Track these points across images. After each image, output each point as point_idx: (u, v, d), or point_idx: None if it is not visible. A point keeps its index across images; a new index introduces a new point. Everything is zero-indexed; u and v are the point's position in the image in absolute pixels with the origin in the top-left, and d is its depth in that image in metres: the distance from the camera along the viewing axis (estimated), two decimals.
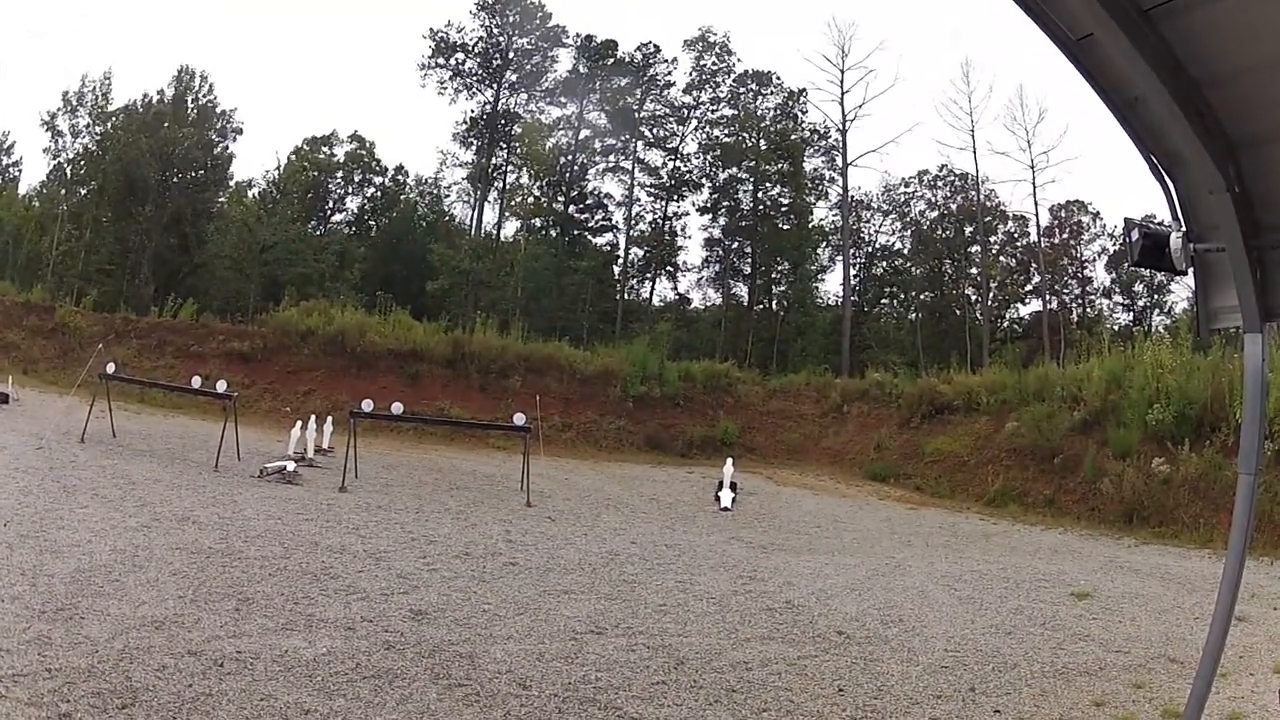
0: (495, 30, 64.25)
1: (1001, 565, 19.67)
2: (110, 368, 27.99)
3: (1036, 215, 61.14)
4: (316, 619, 11.45)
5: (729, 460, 30.37)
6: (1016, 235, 64.00)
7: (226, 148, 62.20)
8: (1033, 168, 57.99)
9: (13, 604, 10.39)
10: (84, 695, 8.08)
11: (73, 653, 9.05)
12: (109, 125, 58.48)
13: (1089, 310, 63.10)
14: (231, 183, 64.03)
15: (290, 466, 23.53)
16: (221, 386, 27.53)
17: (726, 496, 27.00)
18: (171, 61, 78.80)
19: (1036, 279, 62.70)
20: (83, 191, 58.45)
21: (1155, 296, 60.97)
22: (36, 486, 17.66)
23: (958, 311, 63.09)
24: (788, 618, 13.79)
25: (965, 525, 26.30)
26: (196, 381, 28.55)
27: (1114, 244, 59.39)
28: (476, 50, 64.16)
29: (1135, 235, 4.57)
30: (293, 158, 63.75)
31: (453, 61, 64.31)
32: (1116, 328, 55.41)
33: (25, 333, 41.01)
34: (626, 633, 12.32)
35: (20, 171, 66.30)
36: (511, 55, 64.28)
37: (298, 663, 9.70)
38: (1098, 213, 62.00)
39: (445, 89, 64.78)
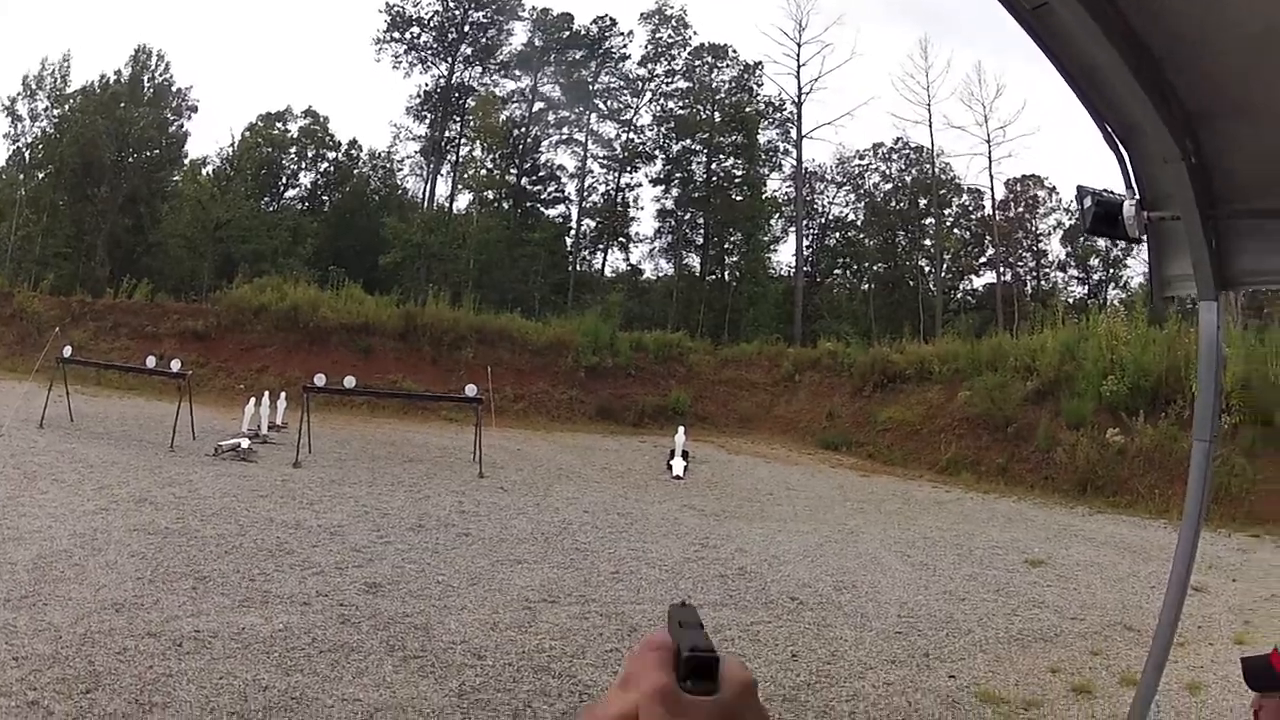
0: (451, 4, 63.97)
1: (955, 532, 20.00)
2: (67, 351, 27.95)
3: (992, 189, 61.85)
4: (273, 595, 11.63)
5: (681, 429, 30.60)
6: (971, 208, 64.41)
7: (182, 126, 61.76)
8: (989, 142, 58.54)
9: None
10: (50, 682, 8.19)
11: (37, 640, 9.16)
12: (67, 108, 57.96)
13: (1044, 283, 63.37)
14: (186, 161, 63.36)
15: (245, 444, 23.61)
16: (176, 366, 27.67)
17: (679, 465, 27.27)
18: (129, 41, 78.07)
19: (991, 251, 63.18)
20: (40, 175, 57.91)
21: (1111, 270, 61.52)
22: None
23: (911, 282, 63.42)
24: (740, 584, 14.13)
25: (918, 493, 26.62)
26: (151, 362, 28.56)
27: (1070, 218, 59.40)
28: (432, 24, 64.00)
29: (1088, 203, 4.71)
30: (247, 134, 63.22)
31: (408, 35, 64.12)
32: (1071, 300, 55.62)
33: None
34: (580, 601, 12.58)
35: None
36: (467, 28, 64.10)
37: (255, 639, 9.83)
38: (1054, 187, 62.31)
39: (400, 63, 64.66)
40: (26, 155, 58.18)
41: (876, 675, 10.32)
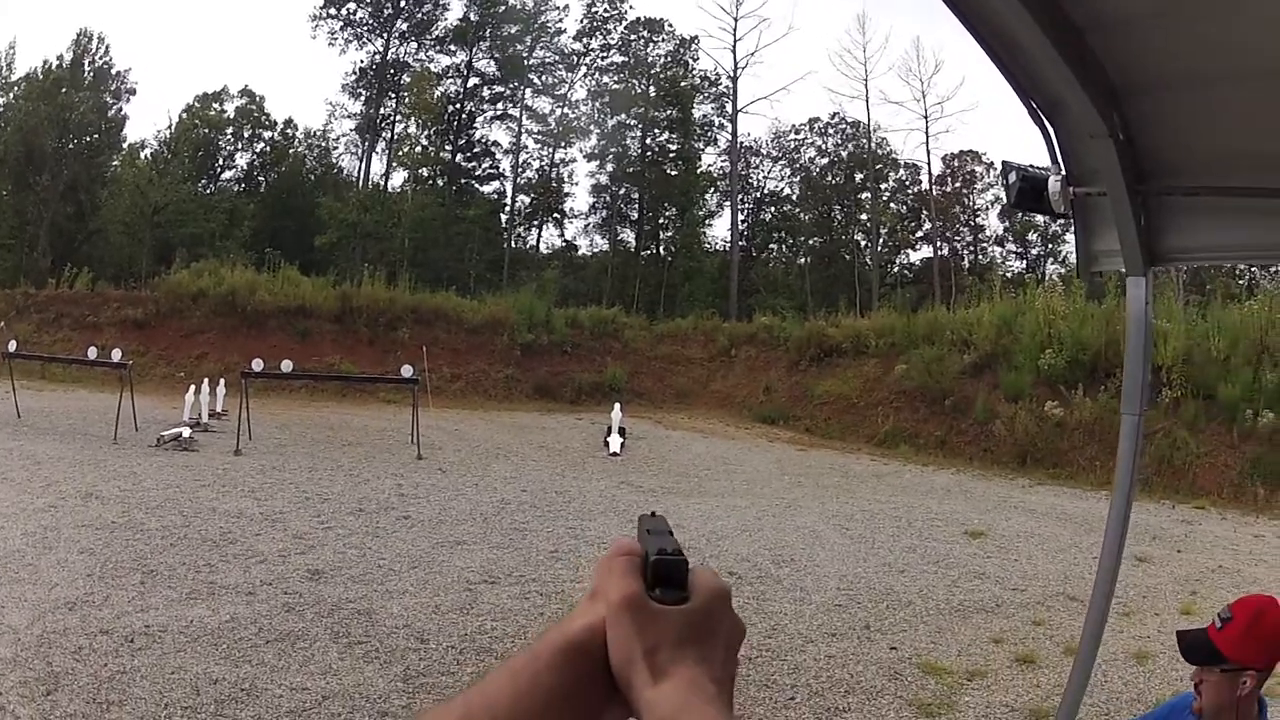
0: None
1: (893, 505, 20.31)
2: (12, 345, 28.10)
3: (929, 164, 63.00)
4: (218, 586, 11.78)
5: (617, 405, 30.93)
6: (908, 183, 65.29)
7: (120, 109, 61.52)
8: (926, 118, 59.61)
9: None
10: (12, 685, 8.31)
11: None
12: (11, 96, 57.73)
13: (981, 257, 64.25)
14: (125, 145, 63.00)
15: (186, 433, 23.70)
16: (116, 356, 27.60)
17: (615, 442, 27.56)
18: (72, 25, 77.29)
19: (928, 226, 63.94)
20: None
21: (1049, 246, 62.43)
22: None
23: (847, 257, 64.20)
24: None
25: (856, 466, 26.99)
26: (92, 353, 28.57)
27: (1001, 188, 60.09)
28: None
29: (1013, 177, 4.83)
30: (184, 116, 62.97)
31: (344, 11, 64.02)
32: (1009, 275, 56.38)
33: None
34: (519, 581, 12.83)
35: None
36: (403, 4, 63.93)
37: (203, 632, 9.98)
38: (991, 163, 62.73)
39: (336, 39, 64.82)
40: None
41: (817, 648, 10.58)
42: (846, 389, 35.40)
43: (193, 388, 28.46)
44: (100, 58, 60.21)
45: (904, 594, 12.94)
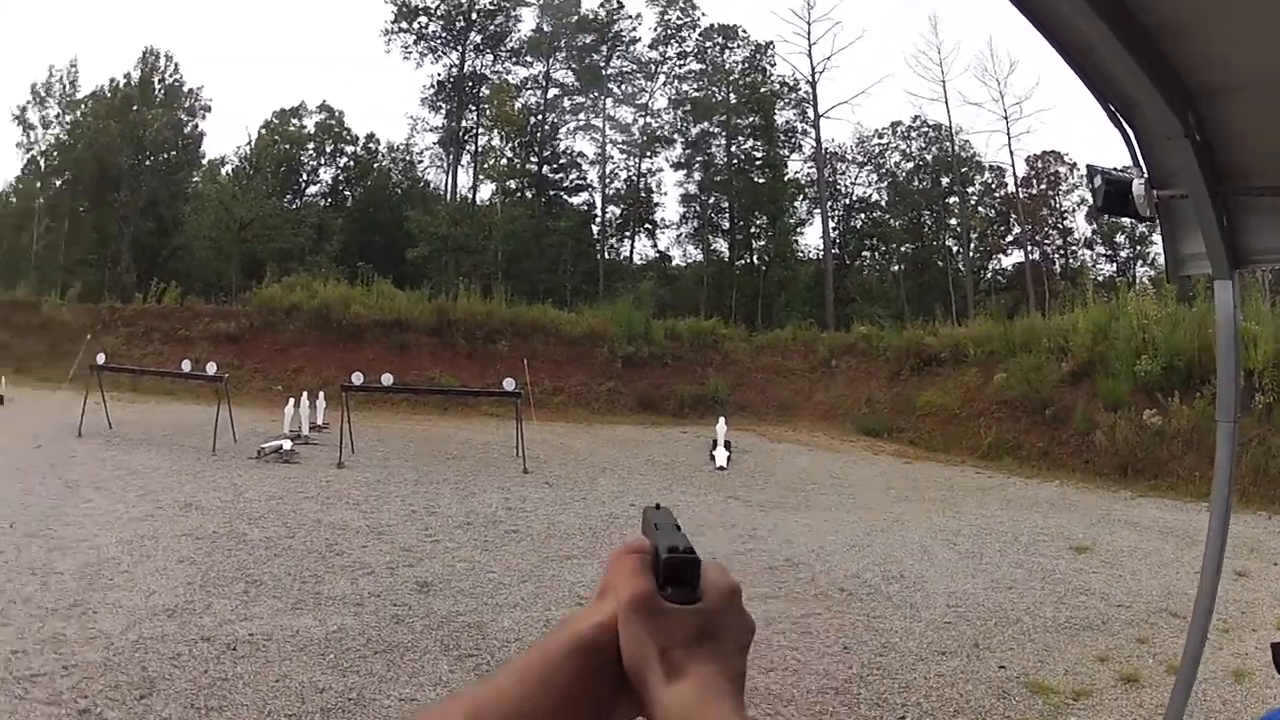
0: None
1: (999, 519, 19.72)
2: (100, 359, 27.83)
3: (1013, 166, 61.47)
4: (325, 597, 11.57)
5: (721, 419, 30.38)
6: (994, 186, 63.98)
7: (196, 126, 62.06)
8: (1006, 119, 58.13)
9: (25, 605, 10.45)
10: (102, 689, 8.14)
11: (88, 648, 9.10)
12: (79, 113, 58.22)
13: (1071, 261, 62.92)
14: (204, 161, 63.71)
15: (287, 445, 23.49)
16: (211, 369, 27.64)
17: (721, 455, 26.98)
18: (135, 44, 78.43)
19: (1017, 230, 62.73)
20: (57, 183, 58.35)
21: (1138, 247, 60.79)
22: (39, 485, 17.68)
23: (940, 263, 63.06)
24: (789, 576, 13.87)
25: (961, 479, 26.32)
26: (186, 366, 28.39)
27: (1087, 190, 59.02)
28: (439, 13, 63.81)
29: (1098, 182, 4.55)
30: (263, 132, 63.22)
31: (415, 26, 63.99)
32: (1100, 278, 55.11)
33: (13, 332, 40.81)
34: None
35: None
36: (475, 16, 63.92)
37: (310, 641, 9.81)
38: (1074, 164, 61.46)
39: (410, 54, 64.59)
40: (42, 163, 58.50)
41: (928, 666, 10.14)
42: (948, 399, 34.67)
43: (292, 400, 28.29)
44: (170, 75, 61.08)
45: (1012, 611, 12.44)
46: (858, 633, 11.10)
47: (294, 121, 64.82)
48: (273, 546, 14.01)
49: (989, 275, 64.40)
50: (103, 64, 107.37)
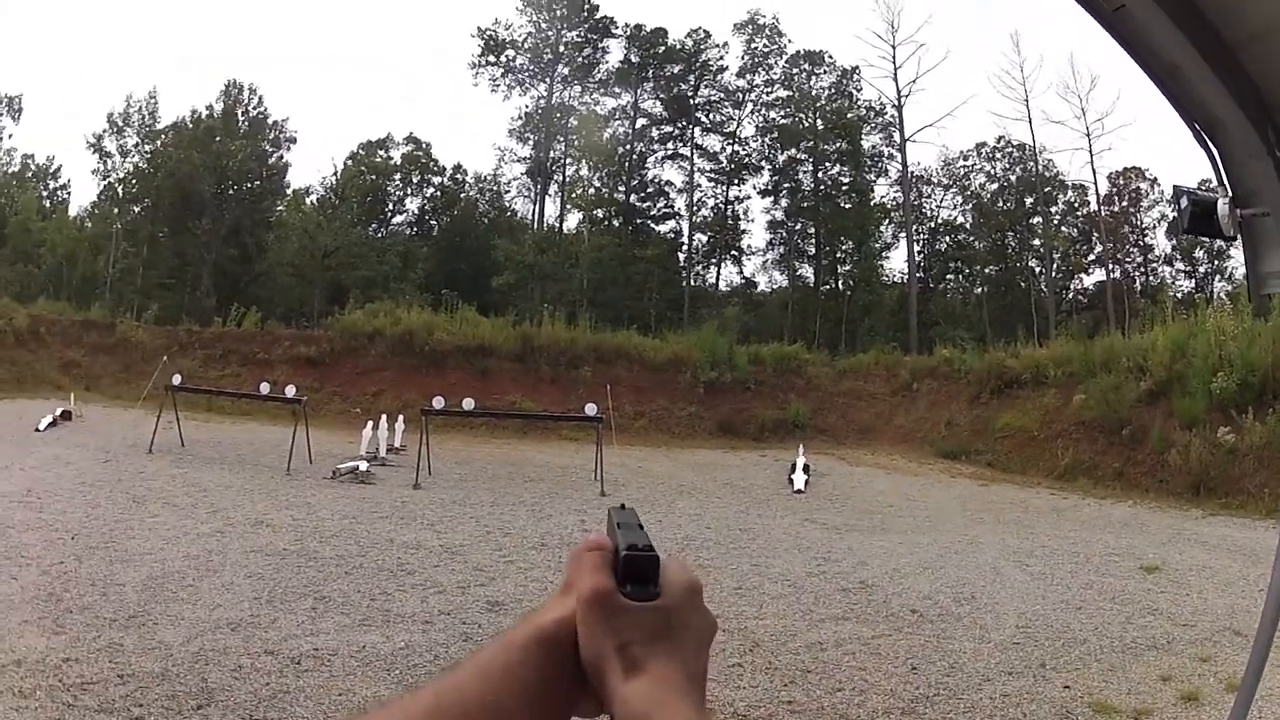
0: (543, 25, 64.55)
1: (1072, 540, 19.55)
2: (176, 379, 28.04)
3: (1095, 184, 60.75)
4: (394, 614, 11.47)
5: (800, 445, 30.58)
6: (1076, 205, 63.31)
7: (281, 157, 63.21)
8: (1088, 135, 57.46)
9: (82, 614, 10.41)
10: (157, 698, 8.09)
11: (146, 658, 9.06)
12: (158, 143, 59.47)
13: (1151, 278, 62.36)
14: (289, 191, 64.93)
15: (363, 466, 23.53)
16: (290, 391, 27.73)
17: (799, 479, 26.78)
18: (217, 78, 79.92)
19: (1099, 249, 62.09)
20: (136, 209, 59.67)
21: (1216, 263, 60.02)
22: (105, 499, 17.73)
23: (1022, 284, 62.64)
24: (862, 597, 13.75)
25: (1036, 500, 26.13)
26: (265, 388, 28.50)
27: (1171, 210, 58.34)
28: (526, 46, 64.57)
29: (1184, 203, 4.48)
30: (349, 163, 64.10)
31: (503, 59, 64.77)
32: (1179, 295, 54.44)
33: (85, 350, 41.44)
34: None
35: (69, 195, 68.29)
36: (561, 49, 64.49)
37: (375, 657, 9.74)
38: (1155, 179, 60.99)
39: (498, 86, 65.33)
40: (119, 190, 59.88)
41: (994, 687, 10.01)
42: (1027, 421, 34.36)
43: (370, 423, 28.46)
44: (254, 108, 62.26)
45: (1080, 631, 12.28)
46: (926, 654, 11.00)
47: (380, 153, 65.61)
48: (344, 564, 13.97)
49: (1071, 295, 63.88)
50: (184, 95, 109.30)
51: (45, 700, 8.00)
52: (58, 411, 28.93)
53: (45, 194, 67.75)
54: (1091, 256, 63.33)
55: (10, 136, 60.83)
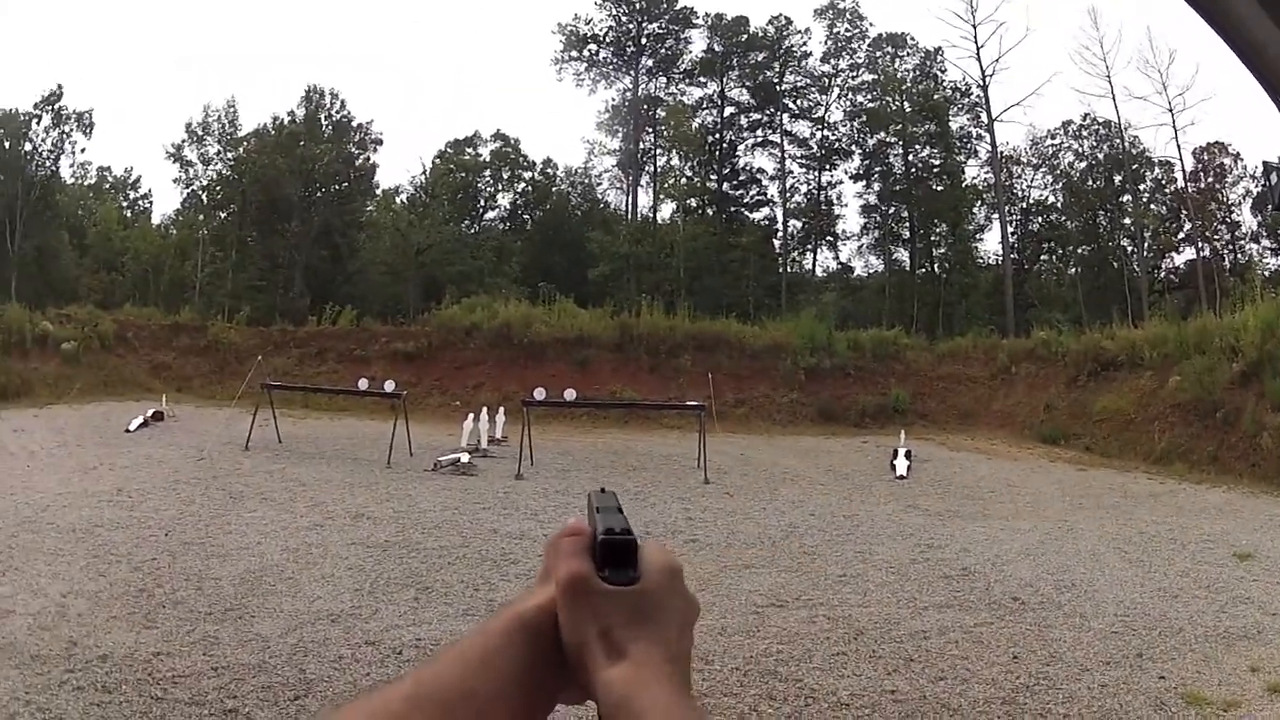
0: (624, 18, 64.75)
1: (1169, 526, 19.20)
2: (270, 378, 28.08)
3: (1181, 160, 59.58)
4: (497, 603, 10.56)
5: (902, 431, 30.43)
6: (1164, 182, 62.33)
7: (368, 159, 63.96)
8: (1170, 111, 56.33)
9: (175, 609, 10.53)
10: (252, 690, 8.15)
11: (242, 650, 9.14)
12: (241, 150, 60.71)
13: (1240, 256, 61.18)
14: (378, 191, 65.87)
15: (465, 458, 23.46)
16: (389, 386, 27.82)
17: (901, 465, 26.49)
18: (296, 83, 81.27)
19: (1187, 226, 61.10)
20: (222, 215, 61.04)
21: None
22: (200, 496, 17.89)
23: (1115, 264, 61.88)
24: (964, 585, 13.60)
25: (1134, 486, 25.52)
26: (363, 384, 28.56)
27: (1256, 185, 57.17)
28: (608, 40, 64.81)
29: (1274, 179, 4.14)
30: (437, 161, 65.01)
31: (586, 53, 65.06)
32: (1267, 273, 53.61)
33: (176, 353, 42.16)
34: (807, 605, 12.32)
35: (151, 203, 70.55)
36: (644, 41, 64.69)
37: None
38: (1238, 153, 59.70)
39: (582, 81, 65.64)
40: (203, 197, 61.32)
41: (1092, 677, 9.81)
42: (1123, 404, 33.75)
43: (471, 415, 28.39)
44: (337, 112, 63.16)
45: (1175, 620, 12.01)
46: (1028, 642, 10.87)
47: (468, 150, 66.14)
48: (446, 555, 14.01)
49: (1162, 274, 63.09)
50: (263, 102, 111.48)
51: (131, 694, 8.03)
52: (149, 412, 29.23)
53: (126, 204, 69.39)
54: (1181, 235, 62.36)
55: (83, 151, 62.24)
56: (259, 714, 7.74)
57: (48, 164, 59.43)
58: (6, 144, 57.68)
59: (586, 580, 1.06)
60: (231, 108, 60.82)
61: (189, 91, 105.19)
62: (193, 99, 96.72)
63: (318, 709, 7.94)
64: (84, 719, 7.61)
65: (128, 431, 26.87)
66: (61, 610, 10.33)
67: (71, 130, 59.43)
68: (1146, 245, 60.36)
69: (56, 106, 58.75)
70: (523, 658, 1.05)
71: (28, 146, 58.15)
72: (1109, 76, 57.19)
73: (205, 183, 61.00)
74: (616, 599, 1.06)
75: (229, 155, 60.48)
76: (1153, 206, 61.11)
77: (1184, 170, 59.40)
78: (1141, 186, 60.95)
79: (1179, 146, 57.40)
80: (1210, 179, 60.39)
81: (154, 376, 39.76)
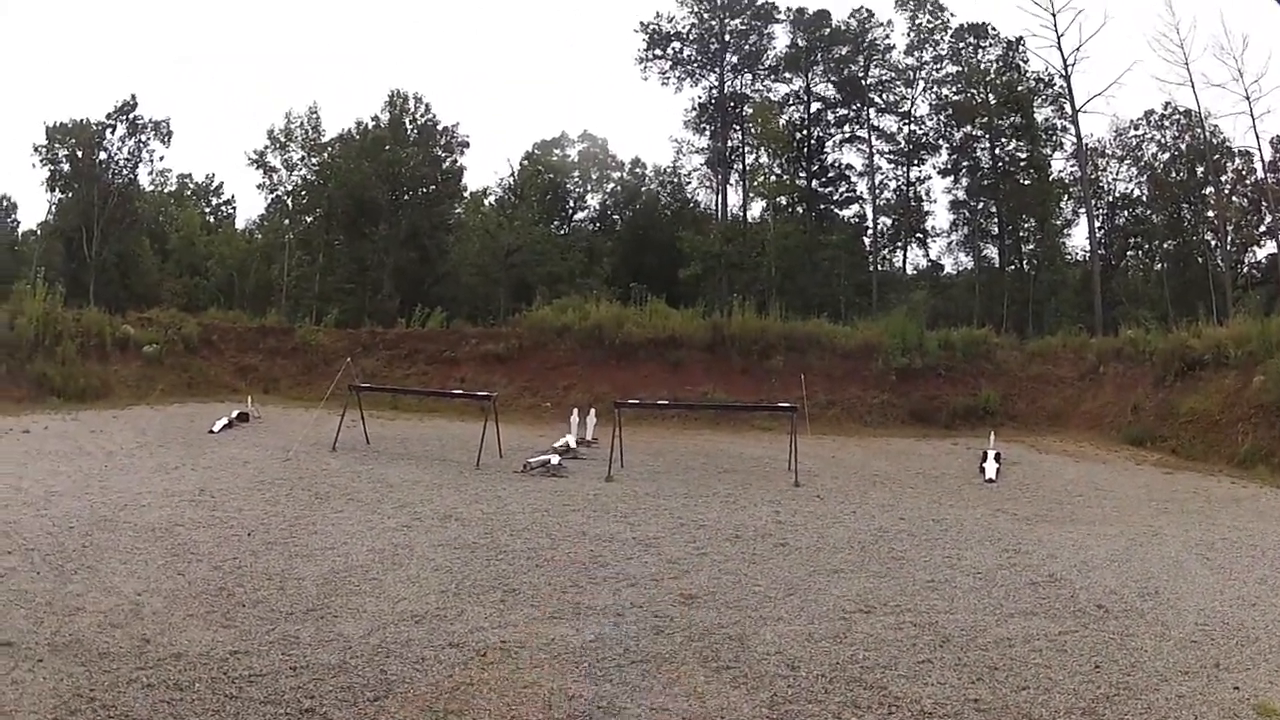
0: (706, 15, 64.74)
1: (1249, 532, 18.85)
2: (359, 380, 28.23)
3: (1260, 149, 58.16)
4: (585, 606, 11.49)
5: (991, 432, 30.44)
6: (1244, 172, 60.86)
7: (455, 161, 64.54)
8: (1248, 98, 55.03)
9: (255, 608, 10.64)
10: (331, 690, 8.25)
11: (322, 650, 9.26)
12: (325, 155, 61.60)
13: None
14: (466, 194, 66.60)
15: (554, 460, 23.39)
16: (482, 391, 27.62)
17: (991, 468, 26.17)
18: (380, 88, 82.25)
19: (1268, 219, 59.66)
20: (308, 219, 62.12)
21: None
22: (285, 496, 18.08)
23: (1199, 259, 60.60)
24: (1050, 592, 13.38)
25: (1217, 489, 25.03)
26: (456, 389, 28.62)
27: None
28: (691, 37, 64.85)
29: None
30: (525, 163, 65.38)
31: (669, 51, 65.12)
32: None
33: (263, 355, 42.75)
34: (894, 611, 12.10)
35: (234, 209, 72.88)
36: (728, 38, 64.60)
37: (565, 650, 9.75)
38: None
39: (668, 79, 65.65)
40: (288, 202, 62.48)
41: (1170, 687, 9.60)
42: (1209, 405, 32.90)
43: (576, 410, 28.55)
44: (421, 116, 63.75)
45: (1253, 629, 11.76)
46: (1110, 651, 10.64)
47: (556, 151, 66.80)
48: (534, 557, 13.97)
49: (1245, 269, 61.96)
50: (348, 108, 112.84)
51: (204, 692, 8.14)
52: (233, 413, 29.64)
53: (208, 210, 70.67)
54: (1262, 228, 61.02)
55: (162, 159, 63.84)
56: (336, 714, 7.84)
57: (125, 172, 60.84)
58: (80, 153, 58.76)
59: None
60: (314, 113, 62.05)
61: (269, 99, 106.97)
62: (274, 107, 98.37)
63: (397, 710, 7.95)
64: (152, 716, 7.71)
65: (211, 432, 27.26)
66: (135, 608, 10.49)
67: (149, 139, 60.87)
68: (1230, 239, 59.30)
69: (131, 116, 60.11)
70: None
71: (103, 156, 59.45)
72: (1187, 64, 56.18)
73: (290, 188, 62.06)
74: None
75: (313, 160, 61.47)
76: (1234, 199, 59.94)
77: (1263, 160, 58.25)
78: (1223, 178, 59.81)
79: (1257, 135, 56.22)
80: None
81: (239, 378, 40.52)
